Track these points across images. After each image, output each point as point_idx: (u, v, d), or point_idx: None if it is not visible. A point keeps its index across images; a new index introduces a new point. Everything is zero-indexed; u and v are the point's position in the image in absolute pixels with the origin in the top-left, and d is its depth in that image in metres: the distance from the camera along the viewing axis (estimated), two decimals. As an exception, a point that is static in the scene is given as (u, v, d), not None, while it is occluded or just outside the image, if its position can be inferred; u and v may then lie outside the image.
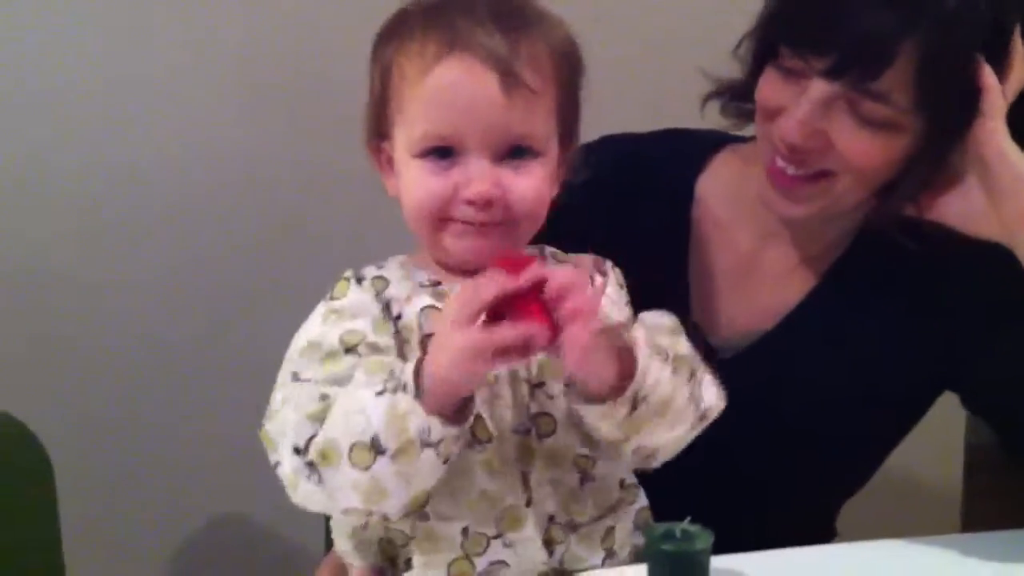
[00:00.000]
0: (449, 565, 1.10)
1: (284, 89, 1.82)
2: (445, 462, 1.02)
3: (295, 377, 1.08)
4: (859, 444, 1.37)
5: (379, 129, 1.14)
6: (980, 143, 1.18)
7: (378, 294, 1.12)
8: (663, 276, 1.35)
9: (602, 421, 1.07)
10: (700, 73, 1.31)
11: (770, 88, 1.23)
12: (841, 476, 1.42)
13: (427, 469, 1.02)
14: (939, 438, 2.16)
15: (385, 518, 1.07)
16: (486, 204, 1.07)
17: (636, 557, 1.18)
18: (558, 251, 1.21)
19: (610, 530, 1.17)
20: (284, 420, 1.05)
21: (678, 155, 1.40)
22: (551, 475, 1.13)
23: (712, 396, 1.12)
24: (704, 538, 1.08)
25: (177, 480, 1.72)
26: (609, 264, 1.23)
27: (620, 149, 1.41)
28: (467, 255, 1.11)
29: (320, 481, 1.02)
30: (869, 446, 1.40)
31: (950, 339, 1.31)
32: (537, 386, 1.13)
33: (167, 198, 1.81)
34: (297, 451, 1.03)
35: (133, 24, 1.76)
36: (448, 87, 1.06)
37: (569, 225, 1.17)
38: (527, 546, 1.11)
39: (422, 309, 1.12)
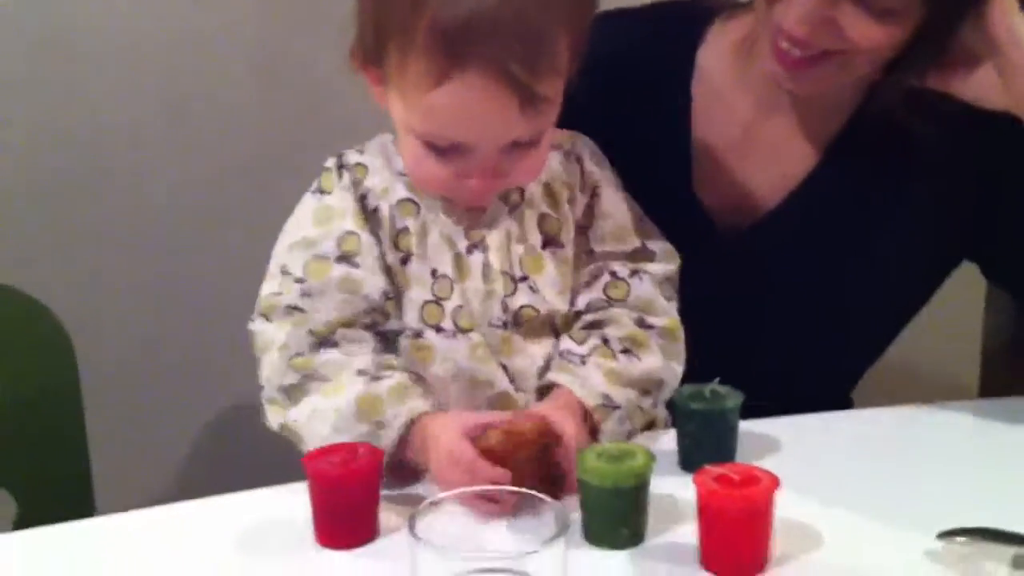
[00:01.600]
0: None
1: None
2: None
3: (284, 271, 1.13)
4: (872, 317, 1.37)
5: (372, 58, 1.09)
6: (991, 22, 1.16)
7: (356, 185, 1.14)
8: (665, 154, 1.34)
9: None
10: None
11: None
12: (854, 349, 1.41)
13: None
14: (956, 337, 2.18)
15: None
16: (485, 191, 1.09)
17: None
18: (556, 131, 1.19)
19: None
20: (271, 359, 1.10)
21: (676, 27, 1.37)
22: (534, 363, 1.15)
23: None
24: (733, 397, 1.09)
25: (199, 358, 1.72)
26: (602, 155, 1.23)
27: (615, 26, 1.36)
28: (462, 205, 1.13)
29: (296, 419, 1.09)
30: (882, 318, 1.39)
31: (964, 205, 1.31)
32: (521, 279, 1.15)
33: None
34: (271, 399, 1.11)
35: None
36: (458, 105, 1.03)
37: (571, 105, 1.15)
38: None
39: (397, 202, 1.14)
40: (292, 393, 1.09)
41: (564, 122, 1.16)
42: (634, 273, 1.19)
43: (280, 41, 1.81)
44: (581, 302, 1.18)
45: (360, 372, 1.07)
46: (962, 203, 1.31)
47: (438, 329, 1.12)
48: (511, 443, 0.99)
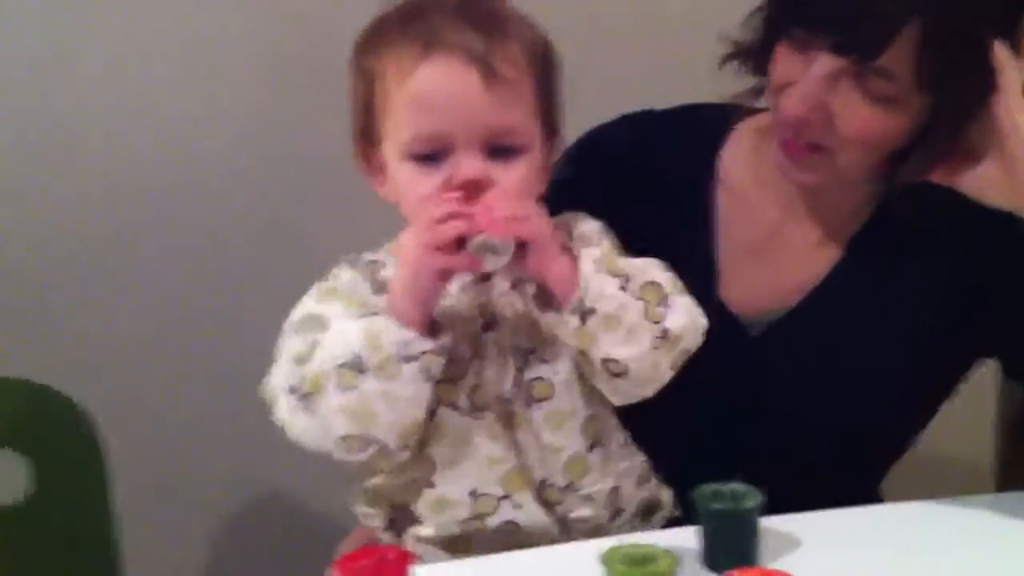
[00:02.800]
0: (461, 524, 1.16)
1: (295, 80, 1.84)
2: (427, 379, 1.09)
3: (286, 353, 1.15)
4: (895, 415, 1.37)
5: (369, 137, 1.17)
6: (995, 117, 1.18)
7: (373, 275, 1.18)
8: (688, 255, 1.34)
9: (558, 330, 1.12)
10: (717, 38, 1.31)
11: (781, 63, 1.23)
12: (878, 444, 1.41)
13: (411, 387, 1.09)
14: (969, 415, 2.18)
15: (383, 452, 1.12)
16: (476, 188, 1.10)
17: (645, 511, 1.24)
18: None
19: (614, 490, 1.21)
20: (277, 370, 1.14)
21: (697, 130, 1.41)
22: (549, 440, 1.17)
23: (681, 317, 1.14)
24: (754, 496, 1.11)
25: (223, 455, 1.75)
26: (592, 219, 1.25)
27: (638, 127, 1.42)
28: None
29: (313, 412, 1.10)
30: (905, 417, 1.40)
31: (981, 306, 1.31)
32: (530, 352, 1.17)
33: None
34: (291, 391, 1.12)
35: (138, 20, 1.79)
36: (429, 88, 1.10)
37: (589, 206, 1.20)
38: (531, 507, 1.16)
39: None
40: (304, 356, 1.13)
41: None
42: None
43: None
44: None
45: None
46: (978, 301, 1.32)
47: (454, 407, 1.15)
48: None
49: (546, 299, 1.13)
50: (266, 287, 1.72)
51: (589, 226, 1.23)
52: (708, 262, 1.37)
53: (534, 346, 1.18)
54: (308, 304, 1.17)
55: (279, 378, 1.14)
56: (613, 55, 1.76)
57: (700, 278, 1.34)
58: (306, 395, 1.11)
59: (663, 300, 1.13)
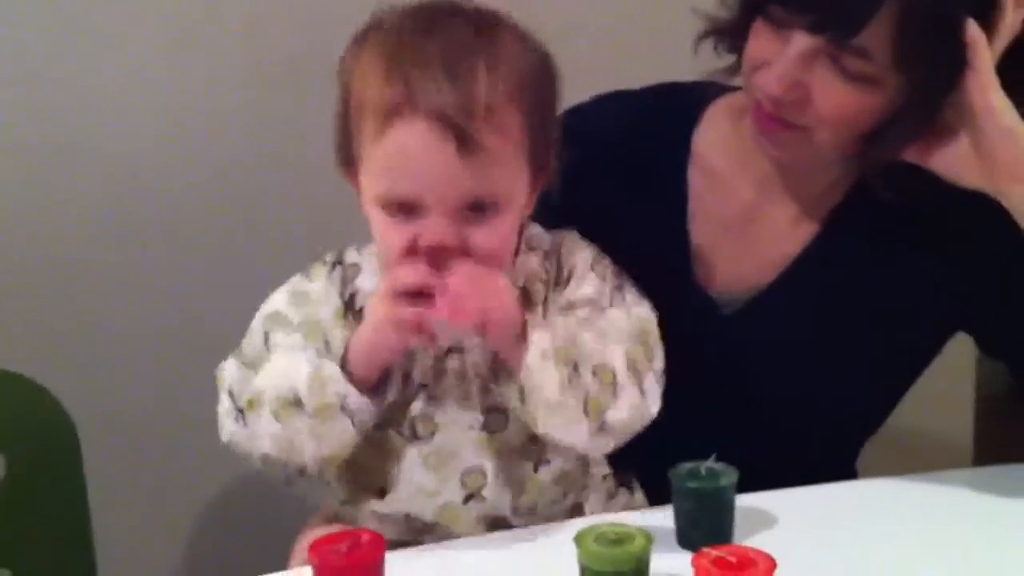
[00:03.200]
0: (398, 536, 1.17)
1: (286, 80, 1.83)
2: (358, 431, 1.11)
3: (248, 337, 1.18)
4: (870, 391, 1.38)
5: (348, 155, 1.14)
6: (968, 96, 1.18)
7: (345, 284, 1.18)
8: (663, 234, 1.36)
9: (506, 400, 1.13)
10: (693, 14, 1.30)
11: (756, 42, 1.23)
12: (854, 421, 1.42)
13: (339, 434, 1.11)
14: (949, 389, 2.20)
15: (300, 472, 1.14)
16: (442, 252, 1.08)
17: None
18: (539, 231, 1.23)
19: (576, 507, 1.21)
20: (229, 363, 1.17)
21: (672, 110, 1.40)
22: (505, 468, 1.17)
23: (624, 412, 1.13)
24: (729, 475, 1.11)
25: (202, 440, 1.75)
26: (584, 243, 1.24)
27: (613, 107, 1.42)
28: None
29: (245, 425, 1.13)
30: (879, 392, 1.40)
31: (957, 281, 1.32)
32: (491, 380, 1.16)
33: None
34: (230, 394, 1.14)
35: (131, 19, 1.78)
36: (403, 151, 1.07)
37: (565, 186, 1.19)
38: (469, 531, 1.16)
39: None
40: (253, 363, 1.16)
41: (563, 201, 1.19)
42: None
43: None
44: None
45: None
46: (953, 278, 1.32)
47: (399, 433, 1.16)
48: None
49: (499, 366, 1.13)
50: (249, 285, 1.73)
51: (580, 256, 1.21)
52: (683, 241, 1.37)
53: (501, 375, 1.15)
54: (278, 301, 1.19)
55: (227, 373, 1.17)
56: (587, 33, 1.74)
57: (675, 257, 1.36)
58: (241, 408, 1.13)
59: (612, 390, 1.12)
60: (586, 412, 1.10)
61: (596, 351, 1.12)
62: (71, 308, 1.79)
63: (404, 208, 1.08)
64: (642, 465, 1.28)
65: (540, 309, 1.19)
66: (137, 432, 1.81)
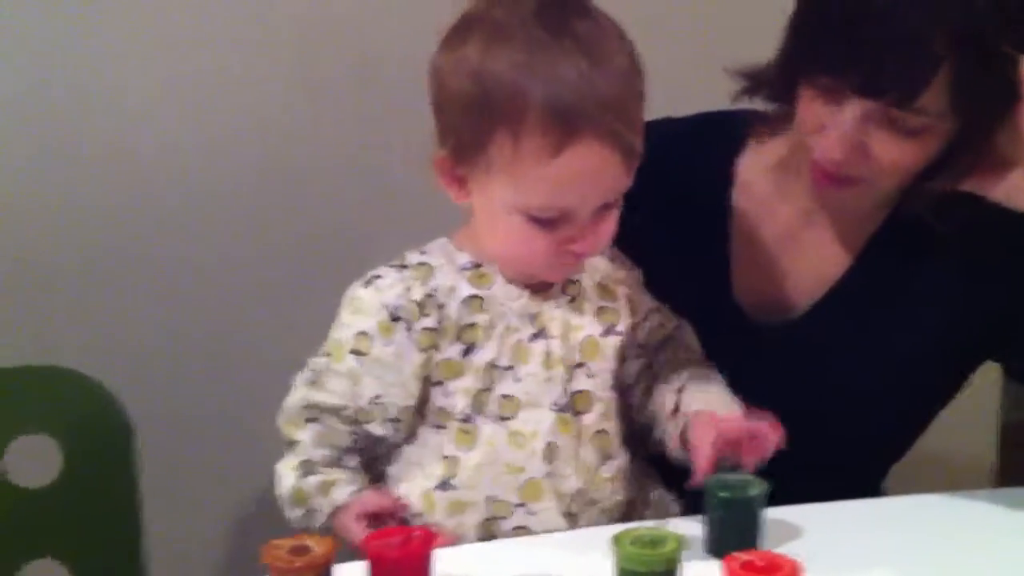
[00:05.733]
0: (477, 526, 1.21)
1: (334, 82, 1.85)
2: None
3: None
4: (900, 414, 1.41)
5: (460, 155, 1.17)
6: (1021, 125, 1.19)
7: (419, 293, 1.22)
8: (706, 258, 1.40)
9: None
10: (725, 71, 1.33)
11: (808, 107, 1.24)
12: (884, 444, 1.45)
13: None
14: (973, 417, 2.21)
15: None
16: (583, 255, 1.19)
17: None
18: None
19: (631, 503, 1.26)
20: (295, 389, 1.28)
21: (716, 137, 1.43)
22: (579, 452, 1.22)
23: None
24: (758, 485, 1.15)
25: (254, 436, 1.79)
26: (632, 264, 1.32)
27: (659, 134, 1.43)
28: (551, 279, 1.23)
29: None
30: (910, 416, 1.43)
31: (992, 309, 1.34)
32: (578, 366, 1.22)
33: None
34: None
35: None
36: (577, 170, 1.12)
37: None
38: (548, 515, 1.21)
39: (464, 299, 1.22)
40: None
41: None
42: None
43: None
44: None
45: (301, 464, 1.24)
46: (989, 304, 1.35)
47: (484, 415, 1.21)
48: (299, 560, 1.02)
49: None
50: (301, 285, 1.77)
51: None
52: (723, 264, 1.40)
53: (585, 361, 1.23)
54: (348, 320, 1.25)
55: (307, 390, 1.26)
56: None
57: (715, 280, 1.40)
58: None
59: None
60: None
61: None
62: (128, 305, 1.82)
63: (554, 216, 1.15)
64: (680, 481, 1.33)
65: (624, 302, 1.27)
66: (191, 428, 1.85)
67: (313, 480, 1.22)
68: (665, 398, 1.25)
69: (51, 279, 1.79)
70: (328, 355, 1.25)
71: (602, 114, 1.10)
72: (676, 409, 1.23)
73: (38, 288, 1.78)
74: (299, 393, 1.26)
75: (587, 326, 1.24)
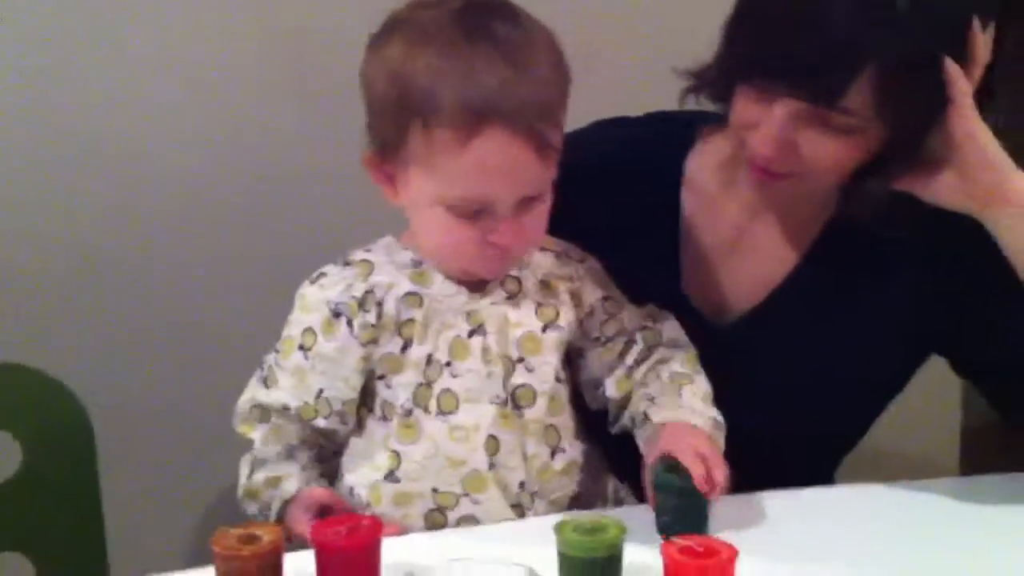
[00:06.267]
0: (424, 516, 1.23)
1: (333, 88, 1.81)
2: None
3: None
4: (849, 406, 1.43)
5: (385, 151, 1.21)
6: (951, 126, 1.22)
7: (356, 290, 1.24)
8: (656, 254, 1.42)
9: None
10: (673, 71, 1.36)
11: (743, 105, 1.27)
12: (833, 437, 1.48)
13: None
14: (935, 421, 2.24)
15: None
16: (507, 250, 1.19)
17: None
18: (547, 237, 1.29)
19: (576, 496, 1.28)
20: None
21: (666, 136, 1.46)
22: (524, 445, 1.24)
23: None
24: None
25: (212, 429, 1.79)
26: (585, 257, 1.34)
27: (611, 133, 1.48)
28: (483, 274, 1.24)
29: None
30: (859, 407, 1.46)
31: (934, 304, 1.37)
32: (518, 361, 1.24)
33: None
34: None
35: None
36: (487, 158, 1.14)
37: (563, 207, 1.25)
38: (493, 505, 1.23)
39: (402, 296, 1.24)
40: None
41: (558, 221, 1.26)
42: (656, 320, 1.32)
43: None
44: (629, 358, 1.30)
45: (253, 461, 1.29)
46: (932, 302, 1.37)
47: (425, 410, 1.23)
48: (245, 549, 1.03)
49: None
50: (261, 285, 1.78)
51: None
52: (673, 261, 1.43)
53: (524, 355, 1.25)
54: (296, 318, 1.28)
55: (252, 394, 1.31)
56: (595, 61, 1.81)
57: (665, 276, 1.42)
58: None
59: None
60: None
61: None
62: (86, 304, 1.84)
63: (473, 209, 1.16)
64: (629, 473, 1.34)
65: (565, 297, 1.28)
66: (149, 423, 1.86)
67: (261, 476, 1.26)
68: (639, 405, 1.27)
69: (8, 277, 1.80)
70: (277, 352, 1.28)
71: (512, 107, 1.12)
72: (646, 417, 1.26)
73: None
74: (248, 394, 1.30)
75: (525, 322, 1.25)
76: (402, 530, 1.20)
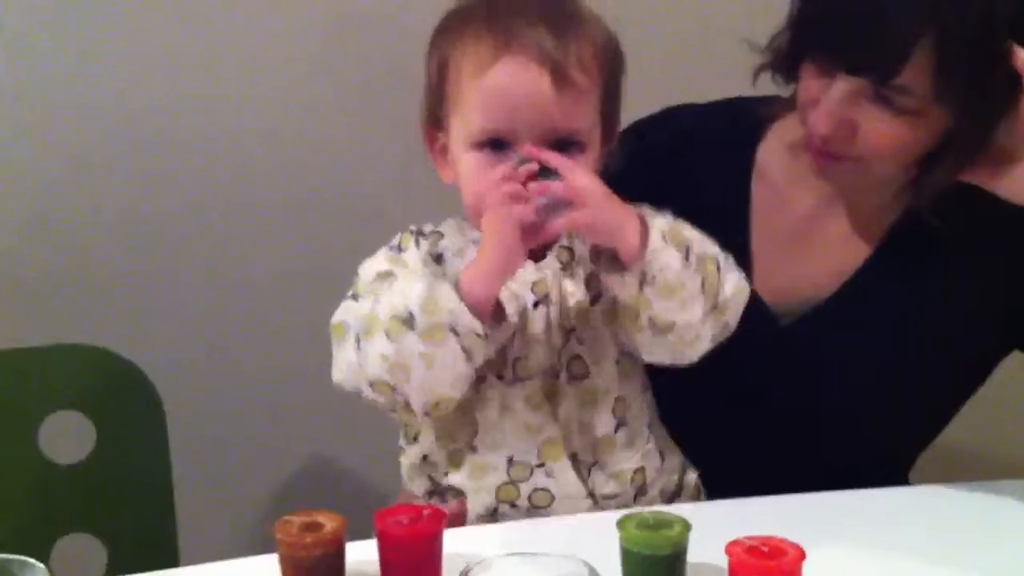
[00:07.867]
0: (497, 489, 1.22)
1: (361, 84, 1.90)
2: (468, 360, 1.12)
3: (355, 298, 1.20)
4: (922, 406, 1.41)
5: (435, 120, 1.23)
6: (1021, 118, 1.20)
7: (431, 248, 1.23)
8: (723, 244, 1.38)
9: (618, 291, 1.16)
10: (747, 46, 1.35)
11: (805, 82, 1.27)
12: (905, 437, 1.45)
13: (449, 358, 1.12)
14: (1014, 420, 2.19)
15: (407, 408, 1.16)
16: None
17: (671, 495, 1.29)
18: None
19: (639, 470, 1.26)
20: (344, 310, 1.19)
21: (737, 125, 1.44)
22: (580, 416, 1.22)
23: (731, 288, 1.19)
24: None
25: (283, 417, 1.81)
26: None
27: (681, 120, 1.47)
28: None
29: (358, 350, 1.14)
30: (932, 409, 1.43)
31: (1007, 298, 1.35)
32: (571, 331, 1.22)
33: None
34: (347, 327, 1.17)
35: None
36: (503, 85, 1.14)
37: (631, 193, 1.22)
38: (565, 476, 1.21)
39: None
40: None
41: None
42: None
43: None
44: None
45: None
46: (1005, 296, 1.35)
47: (499, 376, 1.21)
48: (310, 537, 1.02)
49: (610, 258, 1.17)
50: (345, 273, 1.79)
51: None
52: (743, 252, 1.40)
53: (576, 326, 1.23)
54: (380, 262, 1.23)
55: (344, 314, 1.19)
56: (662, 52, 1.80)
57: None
58: (358, 336, 1.15)
59: (718, 272, 1.18)
60: (703, 290, 1.16)
61: (696, 238, 1.18)
62: (162, 289, 1.87)
63: (497, 144, 1.16)
64: (698, 466, 1.33)
65: (581, 269, 1.24)
66: (221, 407, 1.88)
67: (444, 284, 1.14)
68: None
69: (85, 264, 1.84)
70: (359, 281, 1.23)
71: (531, 41, 1.14)
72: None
73: (73, 272, 1.83)
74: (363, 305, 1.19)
75: (577, 292, 1.24)
76: (463, 520, 1.19)
